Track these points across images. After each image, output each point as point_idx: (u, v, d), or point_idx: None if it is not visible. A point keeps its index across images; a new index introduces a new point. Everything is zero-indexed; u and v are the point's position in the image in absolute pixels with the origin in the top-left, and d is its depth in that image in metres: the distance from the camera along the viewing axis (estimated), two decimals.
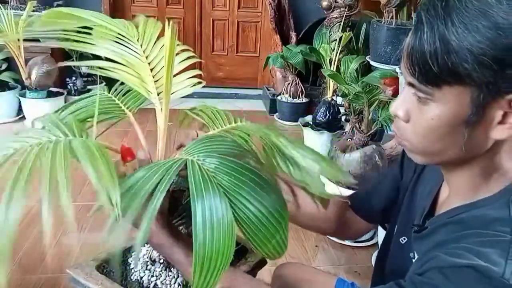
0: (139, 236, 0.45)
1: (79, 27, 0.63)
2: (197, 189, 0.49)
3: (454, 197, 0.67)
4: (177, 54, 0.71)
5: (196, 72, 0.72)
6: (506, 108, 0.55)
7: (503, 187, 0.61)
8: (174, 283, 0.70)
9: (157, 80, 0.67)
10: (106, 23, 0.65)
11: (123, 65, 0.65)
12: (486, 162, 0.62)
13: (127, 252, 0.79)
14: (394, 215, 0.84)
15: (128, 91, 0.74)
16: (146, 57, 0.68)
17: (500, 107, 0.55)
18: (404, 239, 0.77)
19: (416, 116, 0.60)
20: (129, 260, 0.76)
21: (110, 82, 0.75)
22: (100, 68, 0.64)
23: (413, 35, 0.56)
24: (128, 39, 0.67)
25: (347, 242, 1.96)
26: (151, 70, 0.67)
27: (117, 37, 0.66)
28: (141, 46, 0.68)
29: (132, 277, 0.71)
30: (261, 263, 0.79)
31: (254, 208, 0.50)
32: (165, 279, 0.70)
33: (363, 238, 1.99)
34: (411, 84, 0.59)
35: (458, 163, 0.63)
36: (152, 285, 0.70)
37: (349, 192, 1.14)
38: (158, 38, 0.71)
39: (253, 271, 0.77)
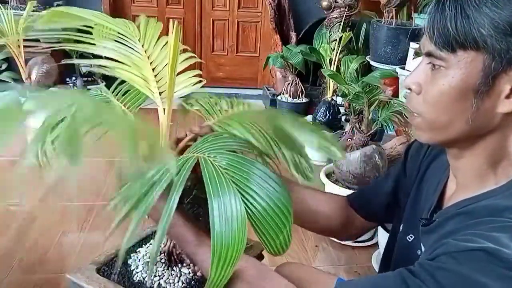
0: (158, 232, 0.47)
1: (80, 27, 0.63)
2: (212, 185, 0.51)
3: (461, 190, 0.67)
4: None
5: (197, 72, 0.73)
6: None
7: (511, 178, 0.62)
8: (178, 281, 0.70)
9: (159, 80, 0.67)
10: (107, 22, 0.65)
11: (126, 64, 0.65)
12: (493, 146, 0.62)
13: (126, 253, 0.79)
14: (399, 214, 0.84)
15: (128, 91, 0.74)
16: (148, 57, 0.68)
17: (509, 81, 0.57)
18: (411, 236, 0.77)
19: (428, 85, 0.62)
20: (129, 262, 0.76)
21: (110, 82, 0.75)
22: (101, 66, 0.64)
23: (436, 2, 0.59)
24: (129, 38, 0.67)
25: (347, 242, 1.96)
26: (153, 69, 0.67)
27: (118, 37, 0.66)
28: (142, 46, 0.68)
29: (134, 278, 0.71)
30: (259, 257, 0.80)
31: (264, 203, 0.53)
32: (168, 278, 0.70)
33: (363, 238, 1.98)
34: (428, 54, 0.62)
35: (465, 144, 0.64)
36: (156, 284, 0.69)
37: (348, 192, 1.14)
38: (158, 38, 0.71)
39: None
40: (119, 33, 0.66)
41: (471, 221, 0.60)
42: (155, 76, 0.67)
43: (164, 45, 0.69)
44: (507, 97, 0.58)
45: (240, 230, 0.49)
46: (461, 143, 0.64)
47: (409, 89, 0.65)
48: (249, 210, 0.52)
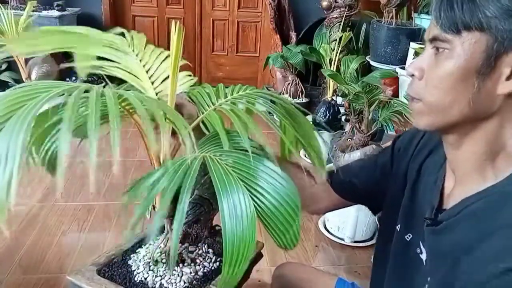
0: (174, 237, 0.48)
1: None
2: (221, 184, 0.51)
3: (460, 186, 0.67)
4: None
5: (189, 72, 0.73)
6: None
7: (511, 171, 0.62)
8: (179, 281, 0.70)
9: (153, 82, 0.67)
10: (98, 34, 0.65)
11: (122, 69, 0.65)
12: (492, 133, 0.62)
13: (126, 254, 0.79)
14: (393, 213, 0.83)
15: (128, 90, 0.74)
16: (140, 60, 0.68)
17: (510, 62, 0.58)
18: (409, 236, 0.76)
19: (432, 69, 0.63)
20: (130, 262, 0.75)
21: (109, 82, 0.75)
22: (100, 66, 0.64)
23: None
24: (121, 47, 0.67)
25: (347, 242, 1.96)
26: (150, 77, 0.67)
27: (111, 46, 0.66)
28: (134, 52, 0.68)
29: (136, 279, 0.71)
30: (258, 256, 0.82)
31: (272, 199, 0.53)
32: (169, 278, 0.70)
33: (363, 238, 1.99)
34: (433, 39, 0.63)
35: (464, 130, 0.64)
36: (157, 285, 0.69)
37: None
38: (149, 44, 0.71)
39: (251, 265, 0.79)
40: (111, 41, 0.66)
41: (482, 226, 0.60)
42: (152, 83, 0.67)
43: (152, 51, 0.68)
44: (507, 78, 0.58)
45: (250, 227, 0.50)
46: (461, 128, 0.64)
47: (412, 76, 0.65)
48: (258, 207, 0.52)
